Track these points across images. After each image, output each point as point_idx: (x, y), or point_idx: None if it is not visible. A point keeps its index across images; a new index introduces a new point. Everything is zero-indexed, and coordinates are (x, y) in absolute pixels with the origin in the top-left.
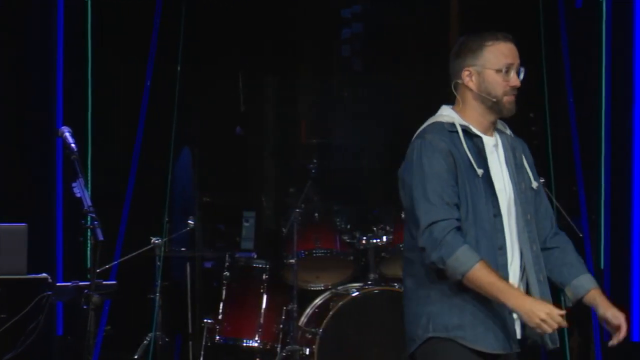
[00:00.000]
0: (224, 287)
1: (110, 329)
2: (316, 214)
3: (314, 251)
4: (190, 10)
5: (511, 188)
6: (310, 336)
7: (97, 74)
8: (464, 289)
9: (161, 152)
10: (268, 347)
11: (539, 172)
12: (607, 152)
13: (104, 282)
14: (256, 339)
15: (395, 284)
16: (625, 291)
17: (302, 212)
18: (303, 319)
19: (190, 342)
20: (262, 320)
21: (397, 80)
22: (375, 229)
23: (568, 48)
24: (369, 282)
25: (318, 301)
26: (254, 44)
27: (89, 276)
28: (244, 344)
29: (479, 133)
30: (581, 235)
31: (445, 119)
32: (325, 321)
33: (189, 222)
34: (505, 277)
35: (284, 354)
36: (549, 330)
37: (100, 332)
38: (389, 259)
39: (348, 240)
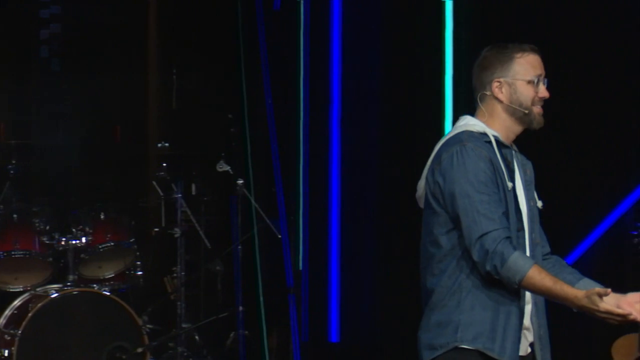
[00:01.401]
0: None
1: None
2: (15, 215)
3: (13, 252)
4: None
5: (525, 204)
6: (9, 338)
7: None
8: (495, 301)
9: None
10: None
11: (240, 174)
12: (305, 153)
13: None
14: None
15: (95, 285)
16: (324, 292)
17: (1, 213)
18: (2, 321)
19: None
20: None
21: (96, 80)
22: (74, 230)
23: (267, 49)
24: (68, 283)
25: (17, 302)
26: None
27: None
28: None
29: (508, 144)
30: (280, 236)
31: (476, 129)
32: (24, 323)
33: None
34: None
35: None
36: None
37: None
38: (88, 260)
39: (47, 242)
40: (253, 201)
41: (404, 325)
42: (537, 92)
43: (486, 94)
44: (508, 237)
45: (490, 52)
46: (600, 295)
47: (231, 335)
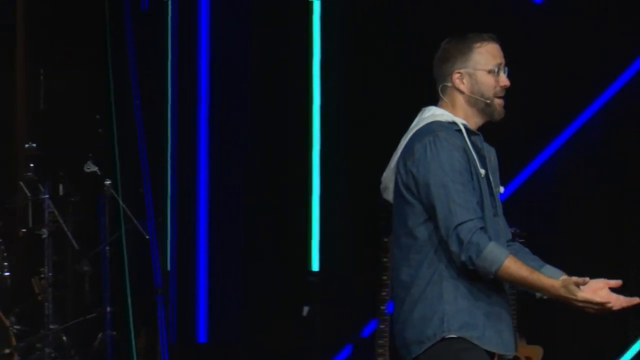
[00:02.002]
0: None
1: None
2: None
3: None
4: None
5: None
6: None
7: None
8: (477, 290)
9: None
10: None
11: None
12: (172, 154)
13: None
14: None
15: None
16: (191, 293)
17: None
18: None
19: None
20: None
21: None
22: None
23: (135, 50)
24: None
25: None
26: None
27: None
28: None
29: (476, 132)
30: (147, 237)
31: (444, 118)
32: None
33: None
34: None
35: None
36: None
37: None
38: None
39: None
40: (121, 202)
41: (270, 324)
42: (498, 81)
43: (447, 86)
44: (482, 228)
45: (449, 44)
46: (578, 285)
47: (99, 336)
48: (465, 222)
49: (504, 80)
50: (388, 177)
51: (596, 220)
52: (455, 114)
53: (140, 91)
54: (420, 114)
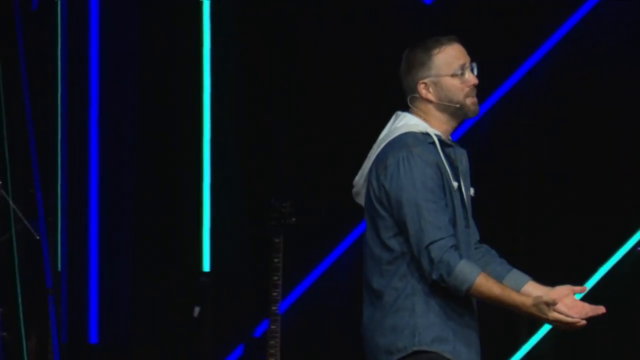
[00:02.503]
0: None
1: None
2: None
3: None
4: None
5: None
6: None
7: None
8: (447, 305)
9: None
10: None
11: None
12: (63, 154)
13: None
14: None
15: None
16: (83, 293)
17: None
18: None
19: None
20: None
21: None
22: None
23: (25, 49)
24: None
25: None
26: None
27: None
28: None
29: (451, 142)
30: (38, 237)
31: (418, 129)
32: None
33: None
34: None
35: None
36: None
37: None
38: None
39: None
40: (11, 202)
41: (162, 325)
42: (465, 82)
43: (416, 97)
44: (453, 246)
45: (409, 55)
46: (548, 305)
47: None
48: (437, 241)
49: (471, 79)
50: (360, 182)
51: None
52: (429, 122)
53: (30, 90)
54: (393, 119)
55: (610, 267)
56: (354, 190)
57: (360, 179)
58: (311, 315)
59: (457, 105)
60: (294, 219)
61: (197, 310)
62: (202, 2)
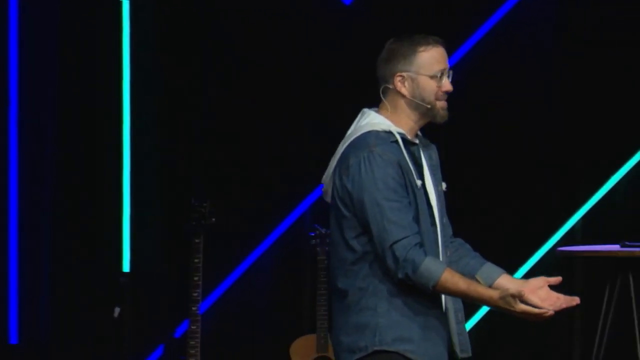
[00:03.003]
0: None
1: None
2: None
3: None
4: None
5: (434, 194)
6: None
7: None
8: (411, 303)
9: None
10: None
11: None
12: None
13: None
14: None
15: None
16: (3, 294)
17: None
18: None
19: None
20: None
21: None
22: None
23: None
24: None
25: None
26: None
27: None
28: None
29: (415, 141)
30: None
31: (381, 127)
32: None
33: None
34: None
35: None
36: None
37: None
38: None
39: None
40: None
41: (82, 325)
42: (440, 87)
43: (389, 87)
44: (418, 244)
45: (393, 45)
46: (514, 297)
47: None
48: (400, 240)
49: (446, 86)
50: (326, 181)
51: None
52: (396, 118)
53: None
54: (359, 117)
55: (529, 267)
56: (323, 188)
57: (326, 177)
58: (231, 316)
59: (429, 106)
60: (214, 219)
61: (117, 310)
62: (121, 1)
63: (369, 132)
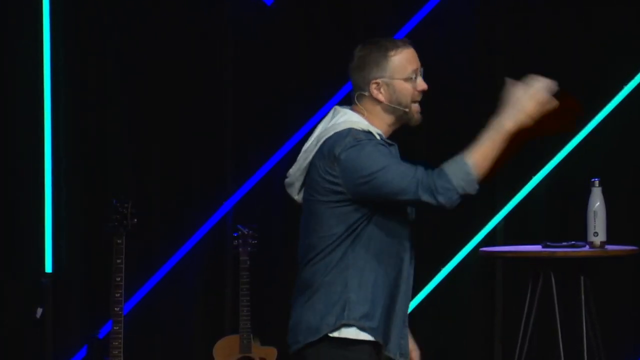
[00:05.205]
0: None
1: None
2: None
3: None
4: None
5: None
6: None
7: None
8: (380, 284)
9: None
10: None
11: None
12: None
13: None
14: None
15: None
16: None
17: None
18: None
19: None
20: None
21: None
22: None
23: None
24: None
25: None
26: None
27: None
28: None
29: (391, 142)
30: None
31: (360, 126)
32: None
33: None
34: (408, 286)
35: None
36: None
37: None
38: None
39: None
40: None
41: (4, 327)
42: (415, 87)
43: (364, 95)
44: (427, 169)
45: (363, 52)
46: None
47: None
48: (419, 179)
49: (421, 85)
50: (296, 175)
51: None
52: (371, 122)
53: None
54: (331, 114)
55: (452, 268)
56: (287, 180)
57: (296, 171)
58: (155, 316)
59: (406, 109)
60: (135, 220)
61: (39, 311)
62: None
63: (349, 129)
